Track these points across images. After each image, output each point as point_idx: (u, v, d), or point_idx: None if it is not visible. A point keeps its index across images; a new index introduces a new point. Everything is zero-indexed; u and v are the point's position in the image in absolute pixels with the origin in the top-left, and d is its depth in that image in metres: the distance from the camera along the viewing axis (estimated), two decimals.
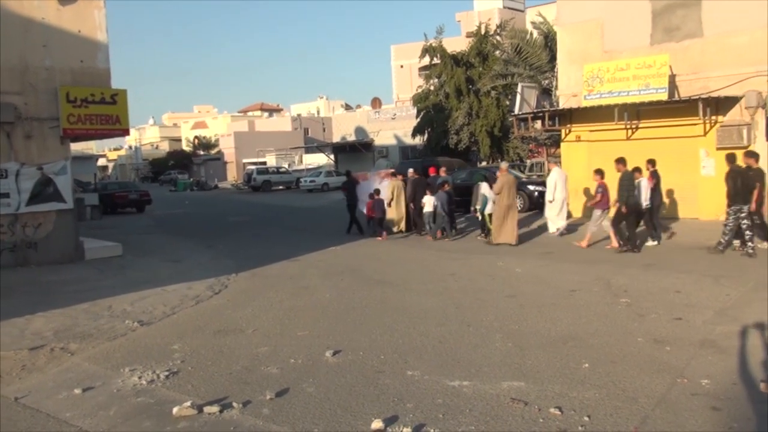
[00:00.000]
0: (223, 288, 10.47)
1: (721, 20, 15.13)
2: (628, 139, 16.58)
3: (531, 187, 17.76)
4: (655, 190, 13.21)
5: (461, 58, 32.19)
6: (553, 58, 24.82)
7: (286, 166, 53.06)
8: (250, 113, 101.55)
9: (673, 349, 6.34)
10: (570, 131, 17.96)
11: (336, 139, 53.12)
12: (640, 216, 13.06)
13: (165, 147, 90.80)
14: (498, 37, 31.90)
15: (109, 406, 5.41)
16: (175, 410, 5.18)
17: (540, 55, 26.81)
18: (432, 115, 33.65)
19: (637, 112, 16.10)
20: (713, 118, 15.26)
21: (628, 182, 12.50)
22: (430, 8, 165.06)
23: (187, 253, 14.99)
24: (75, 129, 13.68)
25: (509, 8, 56.56)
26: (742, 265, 10.67)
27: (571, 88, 17.87)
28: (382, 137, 46.44)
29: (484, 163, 32.32)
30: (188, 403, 5.26)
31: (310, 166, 51.21)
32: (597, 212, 13.33)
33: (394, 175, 17.95)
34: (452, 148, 31.52)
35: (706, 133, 15.50)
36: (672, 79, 15.62)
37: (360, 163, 41.40)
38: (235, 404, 5.28)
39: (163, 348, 7.08)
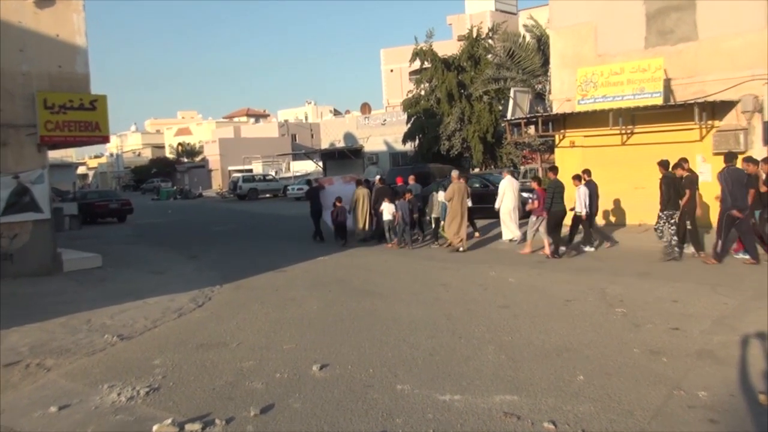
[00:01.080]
0: (207, 300, 10.41)
1: (715, 23, 15.27)
2: (623, 144, 16.68)
3: (525, 195, 17.81)
4: (592, 198, 14.06)
5: (452, 62, 32.35)
6: (546, 62, 24.98)
7: (273, 173, 52.96)
8: (235, 119, 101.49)
9: (669, 360, 6.36)
10: (564, 137, 18.04)
11: (324, 145, 53.23)
12: (577, 223, 14.14)
13: (147, 154, 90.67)
14: (490, 41, 32.11)
15: (86, 425, 5.36)
16: (155, 428, 5.13)
17: (533, 58, 26.99)
18: (423, 120, 33.76)
19: (632, 117, 16.20)
20: (709, 122, 15.37)
21: (554, 190, 13.39)
22: (421, 11, 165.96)
23: (170, 264, 14.92)
24: (53, 136, 13.60)
25: (501, 11, 56.98)
26: (740, 273, 10.73)
27: (564, 93, 17.96)
28: (372, 143, 46.53)
29: (477, 170, 32.46)
30: (169, 421, 5.21)
31: (297, 174, 51.21)
32: (533, 218, 14.05)
33: (359, 182, 18.42)
34: (444, 154, 31.62)
35: (702, 138, 15.61)
36: (667, 83, 15.73)
37: (349, 170, 41.32)
38: (218, 421, 5.24)
39: (144, 363, 7.02)
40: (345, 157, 44.94)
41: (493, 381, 5.98)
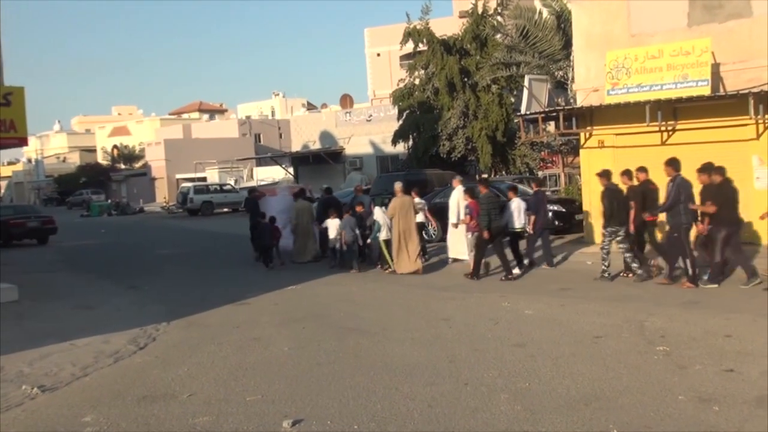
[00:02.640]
0: (150, 341, 10.38)
1: None
2: (662, 144, 16.87)
3: (552, 207, 18.02)
4: (539, 211, 15.41)
5: (454, 44, 32.54)
6: (567, 44, 25.24)
7: (233, 182, 53.01)
8: (185, 115, 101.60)
9: (722, 408, 6.43)
10: (590, 135, 18.23)
11: (296, 147, 53.28)
12: (505, 237, 15.24)
13: (75, 159, 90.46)
14: (499, 18, 32.35)
15: None
16: None
17: (551, 39, 27.24)
18: (418, 116, 33.91)
19: (674, 111, 16.41)
20: (767, 117, 15.59)
21: (489, 204, 14.32)
22: None
23: (103, 296, 14.87)
24: None
25: None
26: None
27: (590, 81, 18.17)
28: (355, 144, 46.70)
29: (484, 176, 32.63)
30: None
31: (263, 183, 51.21)
32: (468, 235, 15.11)
33: (297, 195, 19.45)
34: (444, 157, 31.75)
35: (758, 136, 15.83)
36: (716, 68, 15.98)
37: (327, 178, 41.47)
38: None
39: (72, 421, 6.98)
40: (322, 162, 45.09)
41: None
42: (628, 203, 13.39)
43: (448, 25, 40.20)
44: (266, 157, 54.95)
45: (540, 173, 29.58)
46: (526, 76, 22.30)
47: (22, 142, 14.81)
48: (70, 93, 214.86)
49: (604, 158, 17.81)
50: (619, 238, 13.42)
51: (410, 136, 34.51)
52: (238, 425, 6.66)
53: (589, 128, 18.19)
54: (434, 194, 20.84)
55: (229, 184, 51.23)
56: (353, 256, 16.66)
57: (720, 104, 15.82)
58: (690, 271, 12.54)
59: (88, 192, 68.28)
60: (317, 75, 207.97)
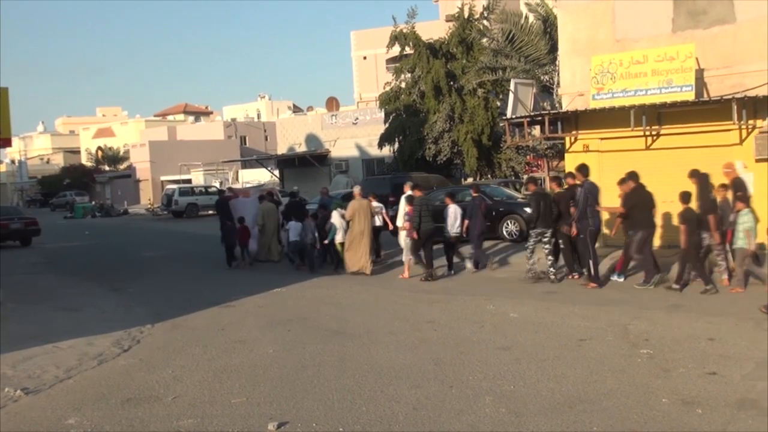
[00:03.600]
0: (135, 343, 10.37)
1: (757, 1, 15.67)
2: (647, 148, 16.97)
3: (529, 210, 18.01)
4: (474, 217, 15.86)
5: (440, 48, 32.63)
6: (553, 48, 25.34)
7: (218, 184, 52.82)
8: (170, 117, 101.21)
9: (705, 411, 6.49)
10: (576, 139, 18.30)
11: (282, 149, 53.16)
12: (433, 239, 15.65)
13: (59, 161, 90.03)
14: (485, 22, 32.48)
15: None
16: None
17: (537, 44, 27.36)
18: (404, 119, 33.94)
19: (658, 116, 16.51)
20: (750, 122, 15.71)
21: (421, 207, 15.03)
22: None
23: (87, 298, 14.81)
24: None
25: None
26: None
27: (576, 86, 18.26)
28: (341, 147, 46.66)
29: (470, 179, 32.68)
30: None
31: (248, 185, 51.11)
32: (407, 240, 15.66)
33: (262, 197, 19.99)
34: (430, 160, 31.81)
35: (742, 141, 15.95)
36: (700, 74, 16.09)
37: (312, 181, 41.47)
38: None
39: (56, 423, 6.97)
40: (307, 165, 44.99)
41: None
42: (554, 207, 14.06)
43: (434, 29, 40.29)
44: (251, 159, 54.83)
45: (525, 177, 29.64)
46: (512, 80, 22.37)
47: (6, 143, 14.74)
48: (54, 94, 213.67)
49: (589, 162, 17.78)
50: (545, 239, 14.07)
51: (396, 140, 34.52)
52: (223, 428, 6.66)
53: (574, 132, 18.27)
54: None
55: (214, 186, 51.04)
56: (310, 256, 17.37)
57: (704, 109, 15.93)
58: (592, 272, 13.36)
59: (72, 194, 67.86)
60: (303, 77, 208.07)
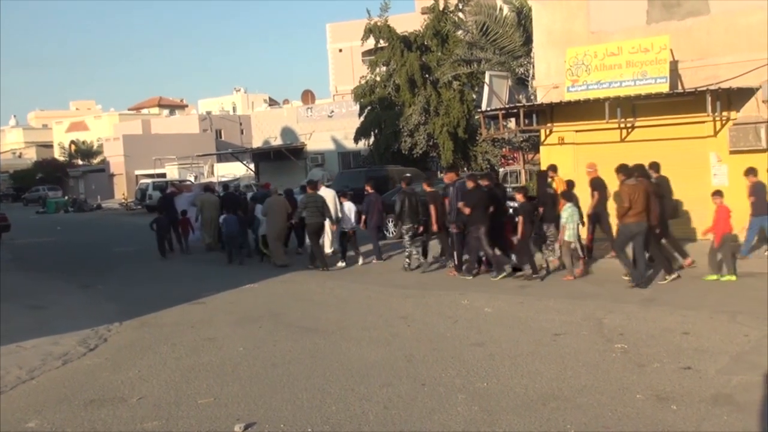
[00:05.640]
0: (102, 342, 10.16)
1: None
2: (622, 140, 16.96)
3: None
4: (370, 212, 16.71)
5: (414, 40, 32.50)
6: (528, 40, 25.29)
7: (192, 178, 52.34)
8: (144, 110, 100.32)
9: (680, 407, 6.41)
10: (551, 131, 18.26)
11: (257, 143, 52.84)
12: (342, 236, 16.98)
13: (31, 155, 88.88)
14: (460, 14, 32.37)
15: None
16: None
17: (512, 36, 27.29)
18: (379, 112, 33.82)
19: (633, 108, 16.48)
20: (725, 114, 15.75)
21: (310, 203, 16.03)
22: None
23: (55, 296, 14.53)
24: None
25: None
26: (763, 298, 10.92)
27: (551, 78, 18.20)
28: (317, 141, 46.45)
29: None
30: None
31: (224, 179, 50.68)
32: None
33: (206, 189, 21.35)
34: (406, 153, 31.71)
35: (716, 133, 15.98)
36: (674, 66, 16.08)
37: (288, 174, 41.22)
38: None
39: (15, 426, 6.80)
40: (283, 158, 44.71)
41: None
42: (420, 205, 15.28)
43: (410, 22, 40.10)
44: (226, 153, 54.40)
45: (501, 170, 29.63)
46: (486, 72, 22.26)
47: None
48: (26, 87, 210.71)
49: (564, 155, 17.84)
50: (411, 234, 15.27)
51: (372, 133, 34.40)
52: (188, 429, 6.51)
53: (549, 125, 18.22)
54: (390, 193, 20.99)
55: (188, 180, 50.57)
56: (232, 247, 18.28)
57: (678, 101, 15.93)
58: (455, 262, 14.56)
59: (45, 188, 66.98)
60: (279, 70, 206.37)
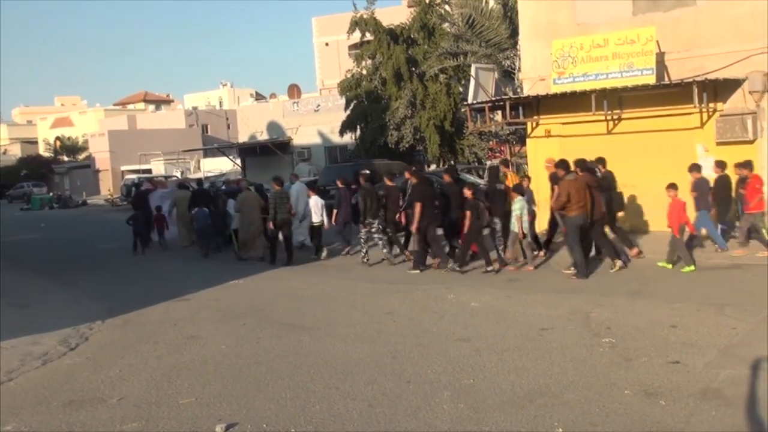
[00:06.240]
0: (83, 341, 10.01)
1: None
2: (609, 133, 16.90)
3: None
4: (340, 206, 16.85)
5: (401, 33, 32.35)
6: (514, 33, 25.12)
7: (179, 174, 52.04)
8: (130, 106, 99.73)
9: (668, 403, 6.33)
10: (537, 124, 18.19)
11: (243, 138, 52.57)
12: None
13: (16, 152, 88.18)
14: (447, 6, 32.24)
15: None
16: None
17: (498, 28, 27.13)
18: (365, 106, 33.68)
19: (619, 100, 16.42)
20: (711, 105, 15.70)
21: (278, 199, 16.26)
22: None
23: (37, 294, 14.35)
24: None
25: None
26: (751, 290, 10.90)
27: (537, 70, 18.11)
28: (303, 135, 46.21)
29: (433, 166, 32.50)
30: None
31: (210, 174, 50.41)
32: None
33: (180, 186, 21.84)
34: (392, 147, 31.58)
35: (703, 125, 15.93)
36: (660, 57, 16.01)
37: (275, 169, 40.76)
38: None
39: None
40: (270, 153, 44.44)
41: None
42: (380, 200, 15.41)
43: (397, 15, 39.95)
44: (212, 148, 54.05)
45: (488, 163, 29.53)
46: (472, 65, 22.17)
47: None
48: (10, 83, 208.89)
49: (550, 147, 17.77)
50: (374, 229, 15.32)
51: (358, 127, 34.26)
52: (169, 430, 6.38)
53: (535, 117, 18.15)
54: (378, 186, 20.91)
55: (174, 175, 50.27)
56: (204, 241, 18.80)
57: (665, 93, 15.87)
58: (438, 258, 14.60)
59: (30, 185, 66.49)
60: (266, 65, 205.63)
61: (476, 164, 29.84)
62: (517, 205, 13.61)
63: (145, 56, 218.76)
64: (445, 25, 31.49)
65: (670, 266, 12.97)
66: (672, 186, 13.13)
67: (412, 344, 8.81)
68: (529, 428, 5.95)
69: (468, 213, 13.70)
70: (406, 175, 16.17)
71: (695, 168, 14.21)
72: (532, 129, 18.39)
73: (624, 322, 9.30)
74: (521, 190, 13.96)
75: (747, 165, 14.12)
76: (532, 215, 14.34)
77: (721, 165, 14.30)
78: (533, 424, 6.04)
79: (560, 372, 7.38)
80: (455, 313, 10.50)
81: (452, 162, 30.64)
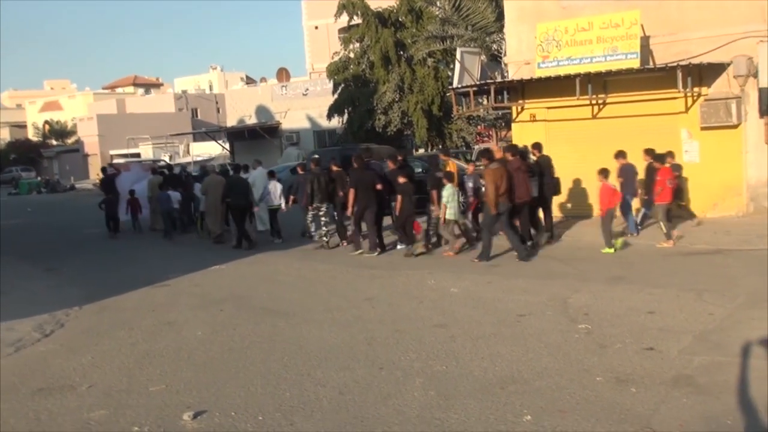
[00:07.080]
0: (58, 327, 9.95)
1: None
2: (593, 117, 16.83)
3: (470, 184, 17.66)
4: (300, 191, 16.62)
5: (389, 17, 32.16)
6: (501, 16, 24.96)
7: (167, 158, 51.75)
8: (119, 89, 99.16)
9: (639, 390, 6.29)
10: (522, 108, 18.10)
11: (232, 122, 52.32)
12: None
13: (5, 136, 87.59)
14: None
15: None
16: None
17: (484, 11, 26.97)
18: (353, 90, 33.51)
19: (604, 84, 16.34)
20: (696, 90, 15.62)
21: (231, 185, 17.01)
22: None
23: (17, 280, 14.18)
24: None
25: None
26: (732, 275, 10.89)
27: (522, 54, 18.01)
28: (292, 119, 46.00)
29: (421, 150, 32.41)
30: None
31: (199, 158, 50.16)
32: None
33: (154, 170, 22.58)
34: (380, 131, 31.45)
35: (687, 109, 15.88)
36: (645, 41, 15.91)
37: (263, 153, 40.64)
38: None
39: None
40: (258, 137, 44.26)
41: (416, 425, 5.80)
42: (328, 186, 15.74)
43: None
44: (201, 132, 53.80)
45: (476, 147, 29.46)
46: (458, 49, 22.02)
47: None
48: None
49: (536, 132, 17.67)
50: (321, 213, 15.80)
51: (345, 111, 34.09)
52: (136, 419, 6.30)
53: (520, 102, 18.06)
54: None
55: (163, 160, 49.99)
56: (168, 223, 19.58)
57: (649, 77, 15.80)
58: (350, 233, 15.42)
59: (18, 169, 66.18)
60: (256, 48, 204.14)
61: (464, 149, 29.76)
62: (446, 192, 13.93)
63: (135, 40, 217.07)
64: (433, 8, 31.29)
65: (611, 250, 13.16)
66: (602, 171, 13.35)
67: (388, 330, 8.75)
68: (497, 415, 5.90)
69: (399, 197, 14.31)
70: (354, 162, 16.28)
71: (621, 155, 14.48)
72: (518, 113, 18.31)
73: (602, 309, 9.24)
74: (451, 177, 14.24)
75: (660, 157, 14.07)
76: (474, 202, 14.95)
77: (649, 153, 14.31)
78: (502, 411, 5.99)
79: (534, 358, 7.33)
80: (434, 299, 10.44)
81: (441, 146, 30.56)
